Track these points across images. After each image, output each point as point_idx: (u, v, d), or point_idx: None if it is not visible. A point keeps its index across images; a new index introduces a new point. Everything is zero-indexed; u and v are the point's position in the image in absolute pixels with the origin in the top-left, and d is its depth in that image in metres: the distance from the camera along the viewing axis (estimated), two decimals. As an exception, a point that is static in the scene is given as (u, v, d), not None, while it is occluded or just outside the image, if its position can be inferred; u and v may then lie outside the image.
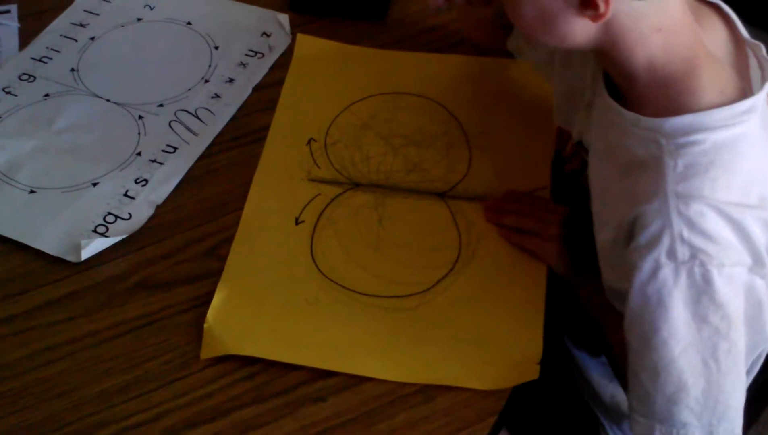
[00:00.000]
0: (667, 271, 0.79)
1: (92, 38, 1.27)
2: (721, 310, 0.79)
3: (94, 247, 1.01)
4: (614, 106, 0.85)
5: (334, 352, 0.93)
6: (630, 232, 0.82)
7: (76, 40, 1.26)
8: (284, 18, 1.28)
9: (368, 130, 1.15)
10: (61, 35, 1.27)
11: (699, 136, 0.78)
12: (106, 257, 1.02)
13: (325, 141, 1.13)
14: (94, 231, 1.04)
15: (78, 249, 1.01)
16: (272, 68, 1.23)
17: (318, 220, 1.05)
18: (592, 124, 0.93)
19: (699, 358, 0.81)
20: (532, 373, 0.92)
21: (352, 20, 1.30)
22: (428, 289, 0.99)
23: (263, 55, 1.24)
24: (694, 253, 0.78)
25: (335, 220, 1.05)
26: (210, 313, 0.96)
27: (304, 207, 1.06)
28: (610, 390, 1.11)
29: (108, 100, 1.18)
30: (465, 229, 1.04)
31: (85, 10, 1.31)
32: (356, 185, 1.09)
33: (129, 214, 1.05)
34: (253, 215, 1.06)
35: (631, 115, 0.83)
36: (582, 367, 1.12)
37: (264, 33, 1.28)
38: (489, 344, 0.94)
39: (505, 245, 1.02)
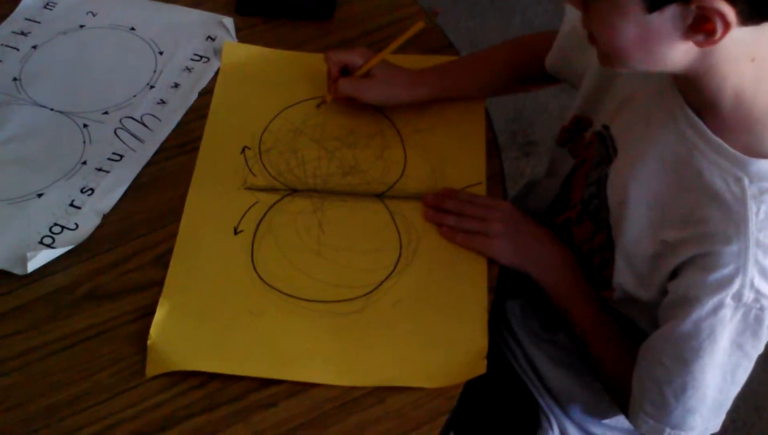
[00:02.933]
0: (727, 311, 0.82)
1: (34, 46, 1.25)
2: (757, 342, 0.85)
3: (40, 258, 1.00)
4: (699, 126, 0.83)
5: (283, 361, 0.93)
6: (692, 262, 0.84)
7: (18, 49, 1.24)
8: (229, 21, 1.28)
9: (301, 134, 1.15)
10: (1, 44, 1.25)
11: None
12: (53, 268, 1.01)
13: (260, 148, 1.13)
14: (41, 242, 1.02)
15: (24, 261, 1.00)
16: (218, 72, 1.22)
17: (257, 228, 1.04)
18: (631, 120, 0.94)
19: (721, 374, 0.86)
20: (480, 367, 0.93)
21: (299, 21, 1.30)
22: (372, 290, 0.99)
23: (208, 59, 1.24)
24: (758, 298, 0.81)
25: (275, 227, 1.05)
26: (153, 329, 0.95)
27: (242, 216, 1.05)
28: (558, 376, 1.13)
29: (52, 109, 1.17)
30: (405, 229, 1.05)
31: (26, 18, 1.29)
32: (293, 191, 1.08)
33: (75, 224, 1.04)
34: (190, 228, 1.04)
35: (716, 141, 0.82)
36: (527, 353, 1.14)
37: (209, 37, 1.27)
38: (435, 342, 0.95)
39: (444, 243, 1.03)
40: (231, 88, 1.20)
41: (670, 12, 0.73)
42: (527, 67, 1.17)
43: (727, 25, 0.71)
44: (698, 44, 0.75)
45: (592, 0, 0.78)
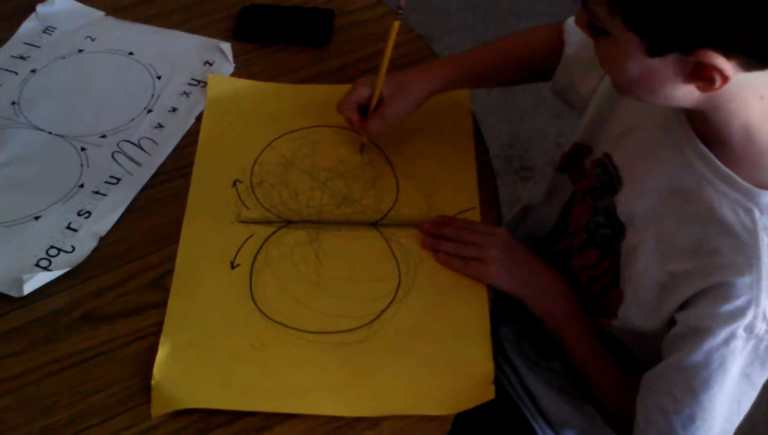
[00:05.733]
0: (739, 342, 0.82)
1: (33, 70, 1.26)
2: (765, 372, 0.85)
3: (36, 281, 1.01)
4: (709, 158, 0.84)
5: (287, 395, 0.93)
6: (704, 294, 0.84)
7: (17, 73, 1.25)
8: (227, 46, 1.29)
9: (292, 166, 1.15)
10: (0, 68, 1.26)
11: None
12: (49, 291, 1.02)
13: (251, 181, 1.13)
14: (37, 265, 1.03)
15: (20, 283, 1.00)
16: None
17: (254, 261, 1.04)
18: (636, 151, 0.95)
19: (729, 404, 0.86)
20: (488, 393, 0.93)
21: (296, 47, 1.31)
22: (374, 320, 0.99)
23: (206, 84, 1.24)
24: None
25: (271, 260, 1.04)
26: (156, 369, 0.94)
27: (238, 250, 1.05)
28: (553, 400, 1.12)
29: (50, 133, 1.18)
30: (402, 256, 1.05)
31: (25, 43, 1.30)
32: (288, 223, 1.08)
33: (72, 246, 1.05)
34: (186, 264, 1.04)
35: (726, 172, 0.82)
36: (522, 378, 1.14)
37: (206, 62, 1.28)
38: (441, 369, 0.95)
39: (443, 269, 1.03)
40: (217, 121, 1.20)
41: (671, 58, 0.75)
42: (535, 62, 1.17)
43: (725, 78, 0.73)
44: (700, 89, 0.76)
45: (600, 35, 0.80)
